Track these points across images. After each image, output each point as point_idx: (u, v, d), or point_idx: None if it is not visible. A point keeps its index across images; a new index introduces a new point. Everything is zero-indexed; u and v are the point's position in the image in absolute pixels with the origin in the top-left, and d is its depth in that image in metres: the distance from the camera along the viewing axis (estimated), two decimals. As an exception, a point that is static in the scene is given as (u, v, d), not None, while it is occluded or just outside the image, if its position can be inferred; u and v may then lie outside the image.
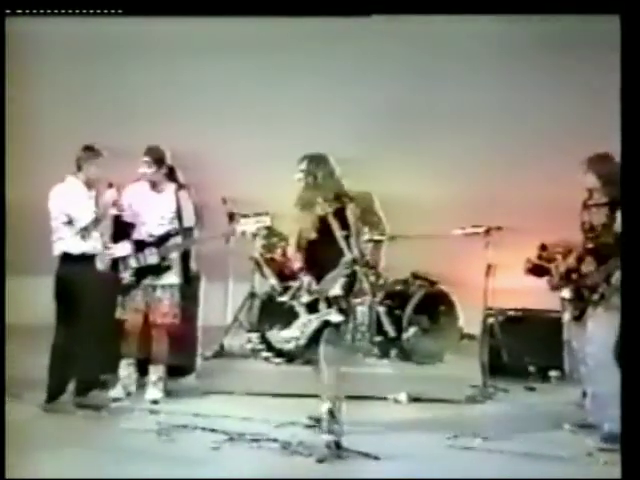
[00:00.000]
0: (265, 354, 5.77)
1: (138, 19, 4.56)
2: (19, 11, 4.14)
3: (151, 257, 5.15)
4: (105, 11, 4.23)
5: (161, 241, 5.20)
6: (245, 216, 5.08)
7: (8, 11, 4.09)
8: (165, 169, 5.24)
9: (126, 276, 5.14)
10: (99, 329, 4.89)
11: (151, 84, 6.08)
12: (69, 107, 6.09)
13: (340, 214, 4.47)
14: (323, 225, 4.51)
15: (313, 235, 4.54)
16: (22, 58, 5.30)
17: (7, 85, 4.50)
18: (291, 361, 5.67)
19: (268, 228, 5.83)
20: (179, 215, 5.22)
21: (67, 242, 4.92)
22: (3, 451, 3.79)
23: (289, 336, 4.56)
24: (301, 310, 4.52)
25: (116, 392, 5.20)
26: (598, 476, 3.88)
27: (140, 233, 5.26)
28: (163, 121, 5.98)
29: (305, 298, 4.47)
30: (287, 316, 5.40)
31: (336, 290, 4.38)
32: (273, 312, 5.76)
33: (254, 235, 5.72)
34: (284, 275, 6.05)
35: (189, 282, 5.36)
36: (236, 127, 6.50)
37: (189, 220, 5.22)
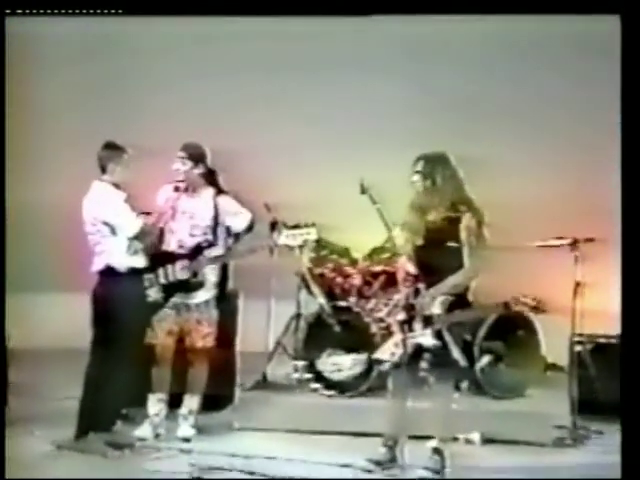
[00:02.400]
0: (313, 385, 5.70)
1: (138, 19, 4.89)
2: (19, 11, 4.49)
3: (181, 272, 5.04)
4: (105, 11, 4.60)
5: (193, 253, 5.08)
6: (289, 228, 5.01)
7: (8, 11, 4.42)
8: (202, 169, 5.11)
9: (152, 293, 5.03)
10: (137, 356, 4.89)
11: (153, 84, 6.38)
12: (69, 107, 6.33)
13: (454, 223, 4.47)
14: (432, 232, 4.50)
15: (420, 242, 4.50)
16: (22, 58, 5.63)
17: (7, 85, 4.76)
18: (343, 393, 5.62)
19: (317, 240, 5.65)
20: (216, 223, 5.12)
21: (113, 255, 4.88)
22: (3, 451, 3.89)
23: (381, 358, 4.53)
24: (395, 329, 4.45)
25: (143, 431, 5.08)
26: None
27: (169, 243, 5.14)
28: (169, 121, 6.13)
29: (401, 315, 4.41)
30: (337, 340, 5.67)
31: (435, 309, 4.33)
32: (321, 336, 5.74)
33: (301, 247, 5.62)
34: (334, 293, 6.08)
35: (226, 300, 5.29)
36: (280, 125, 6.64)
37: (241, 222, 5.12)
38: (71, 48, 6.21)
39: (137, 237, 4.90)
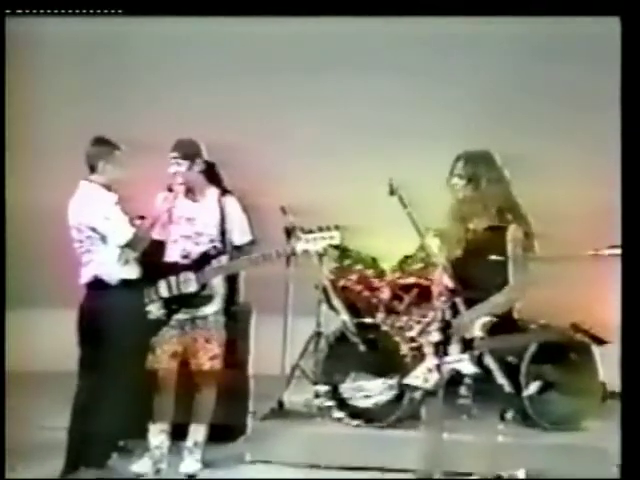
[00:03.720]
0: (337, 413, 5.52)
1: (138, 19, 5.13)
2: (19, 11, 4.70)
3: (187, 284, 4.89)
4: (105, 11, 4.81)
5: (199, 263, 4.93)
6: (309, 231, 4.85)
7: (8, 11, 4.66)
8: (200, 166, 4.98)
9: (153, 309, 4.89)
10: (134, 379, 4.78)
11: (155, 83, 6.54)
12: (69, 107, 6.53)
13: (499, 233, 4.30)
14: (473, 243, 4.35)
15: (458, 254, 4.35)
16: (22, 58, 5.80)
17: (7, 85, 4.96)
18: (371, 422, 5.43)
19: (339, 247, 5.65)
20: (223, 229, 4.98)
21: (102, 266, 4.78)
22: (3, 451, 4.07)
23: (413, 384, 4.39)
24: (429, 352, 4.26)
25: (142, 466, 4.94)
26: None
27: (171, 253, 5.00)
28: (172, 120, 6.19)
29: (436, 336, 4.16)
30: (363, 362, 5.48)
31: (475, 331, 4.15)
32: (345, 357, 5.59)
33: (321, 255, 5.58)
34: (359, 308, 5.96)
35: (237, 316, 5.16)
36: (296, 119, 6.51)
37: (241, 236, 5.01)
38: (71, 48, 6.42)
39: (129, 245, 4.75)
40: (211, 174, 5.00)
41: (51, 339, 6.00)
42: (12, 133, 5.03)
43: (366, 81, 6.53)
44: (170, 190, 4.91)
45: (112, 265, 4.74)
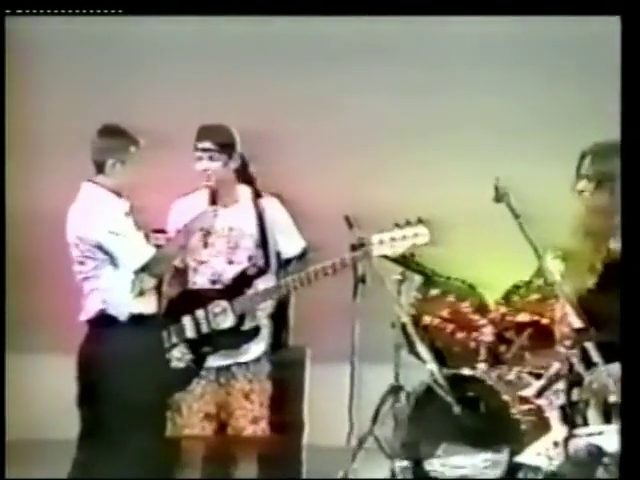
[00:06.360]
0: None
1: (138, 19, 5.49)
2: (19, 11, 5.08)
3: (220, 318, 4.51)
4: (105, 11, 5.17)
5: (235, 288, 4.55)
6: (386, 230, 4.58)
7: (8, 11, 5.06)
8: (237, 161, 4.63)
9: (177, 355, 4.55)
10: (150, 449, 4.47)
11: (156, 83, 6.74)
12: (70, 107, 6.71)
13: None
14: (610, 267, 3.98)
15: (590, 283, 3.96)
16: (22, 58, 6.18)
17: (7, 85, 5.30)
18: None
19: (424, 273, 5.48)
20: (264, 240, 4.59)
21: (110, 296, 4.47)
22: (3, 451, 4.38)
23: (530, 464, 4.17)
24: (553, 417, 4.04)
25: None
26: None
27: (196, 279, 4.65)
28: (175, 119, 6.17)
29: (562, 398, 3.89)
30: (457, 429, 5.16)
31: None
32: (433, 421, 5.24)
33: (400, 282, 5.32)
34: (451, 355, 5.66)
35: (286, 363, 4.87)
36: (361, 100, 6.26)
37: (290, 245, 4.65)
38: (71, 48, 6.72)
39: (146, 269, 4.42)
40: (242, 172, 4.71)
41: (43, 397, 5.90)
42: (12, 134, 5.19)
43: (468, 74, 6.34)
44: (213, 201, 4.56)
45: (122, 296, 4.44)
